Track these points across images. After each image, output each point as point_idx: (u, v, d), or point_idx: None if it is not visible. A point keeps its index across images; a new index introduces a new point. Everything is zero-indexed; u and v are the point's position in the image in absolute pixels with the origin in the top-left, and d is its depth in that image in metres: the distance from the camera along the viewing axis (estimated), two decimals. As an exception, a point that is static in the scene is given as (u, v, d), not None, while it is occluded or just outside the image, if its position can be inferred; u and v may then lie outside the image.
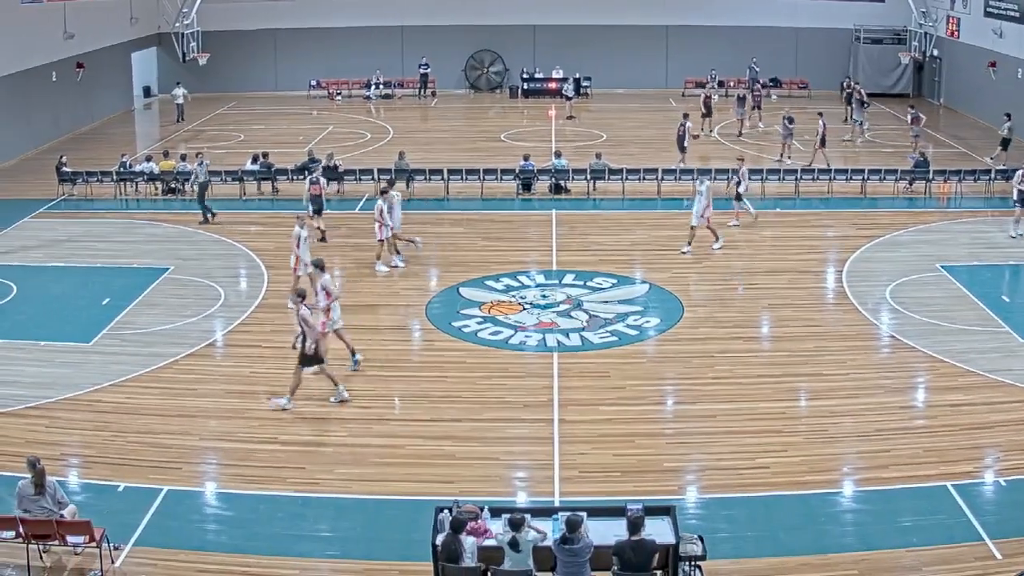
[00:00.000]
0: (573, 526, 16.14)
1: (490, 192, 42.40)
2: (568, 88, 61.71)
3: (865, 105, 53.13)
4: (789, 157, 47.12)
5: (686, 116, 46.76)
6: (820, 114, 47.70)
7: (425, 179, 42.93)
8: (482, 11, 68.54)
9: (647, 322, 29.35)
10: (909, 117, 50.22)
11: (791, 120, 47.62)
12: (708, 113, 54.62)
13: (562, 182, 42.95)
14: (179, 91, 60.69)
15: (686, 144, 45.60)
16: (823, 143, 45.83)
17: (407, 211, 38.09)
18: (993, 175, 42.24)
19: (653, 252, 35.51)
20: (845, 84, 58.30)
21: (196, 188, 39.64)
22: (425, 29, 68.66)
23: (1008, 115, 46.57)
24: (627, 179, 42.57)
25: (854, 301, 30.65)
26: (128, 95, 65.78)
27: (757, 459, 21.79)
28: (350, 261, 34.79)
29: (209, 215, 38.95)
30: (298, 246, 30.26)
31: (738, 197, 38.43)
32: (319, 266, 26.86)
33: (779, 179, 42.22)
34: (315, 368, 24.35)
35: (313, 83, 69.45)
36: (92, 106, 59.65)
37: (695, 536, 17.34)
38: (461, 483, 20.89)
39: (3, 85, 48.99)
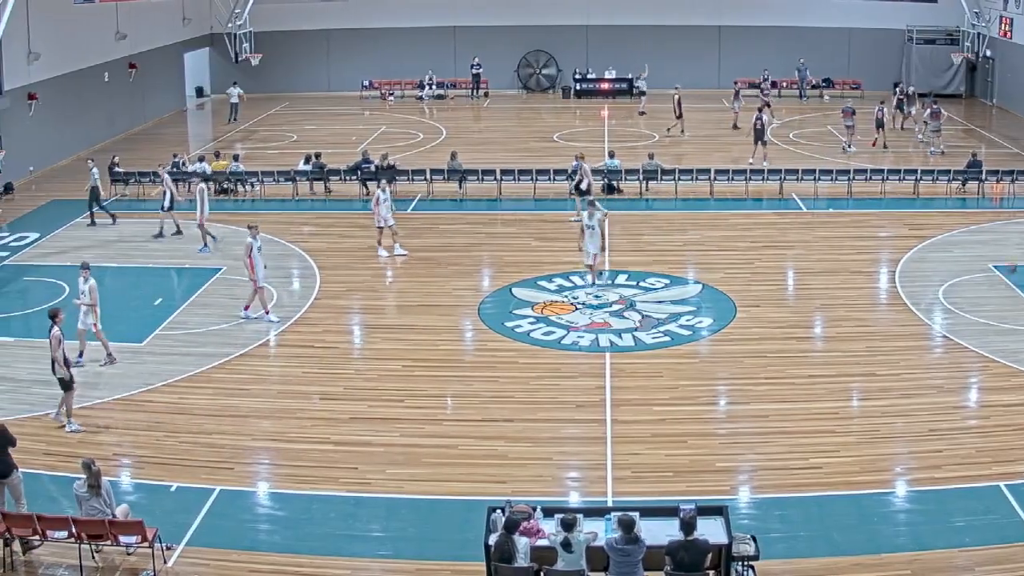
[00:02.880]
0: (627, 526, 16.13)
1: (543, 193, 42.39)
2: (642, 84, 62.16)
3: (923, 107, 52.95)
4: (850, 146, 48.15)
5: (761, 109, 46.75)
6: (881, 103, 47.80)
7: (478, 179, 42.99)
8: (534, 11, 68.61)
9: (700, 322, 29.27)
10: (928, 112, 50.07)
11: (852, 111, 48.05)
12: (680, 115, 54.80)
13: (615, 182, 42.92)
14: (234, 91, 61.07)
15: (766, 138, 45.70)
16: (880, 125, 47.12)
17: (461, 211, 38.18)
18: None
19: (706, 252, 35.44)
20: (898, 90, 57.55)
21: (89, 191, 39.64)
22: (477, 30, 68.81)
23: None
24: (679, 179, 42.48)
25: (907, 301, 30.48)
26: (180, 95, 66.30)
27: (810, 459, 21.71)
28: (402, 261, 34.87)
29: (91, 216, 39.42)
30: (250, 256, 29.88)
31: (579, 192, 38.82)
32: None
33: (832, 179, 41.95)
34: None
35: (365, 83, 69.71)
36: (144, 106, 60.15)
37: (748, 536, 17.28)
38: (513, 483, 20.89)
39: (56, 85, 49.41)
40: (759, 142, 46.33)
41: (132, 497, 20.38)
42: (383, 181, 36.90)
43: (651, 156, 43.78)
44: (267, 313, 29.80)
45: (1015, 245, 35.26)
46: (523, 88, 70.08)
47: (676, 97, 54.45)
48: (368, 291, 32.50)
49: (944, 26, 65.97)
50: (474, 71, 68.33)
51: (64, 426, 23.46)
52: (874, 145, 49.39)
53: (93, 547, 18.33)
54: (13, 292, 32.88)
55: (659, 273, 32.99)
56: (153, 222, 38.48)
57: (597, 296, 31.24)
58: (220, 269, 33.38)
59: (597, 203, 33.16)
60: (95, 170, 39.15)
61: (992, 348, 26.94)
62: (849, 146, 48.61)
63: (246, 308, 30.15)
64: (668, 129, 54.51)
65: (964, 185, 42.10)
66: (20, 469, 19.32)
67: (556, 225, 38.03)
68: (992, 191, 42.14)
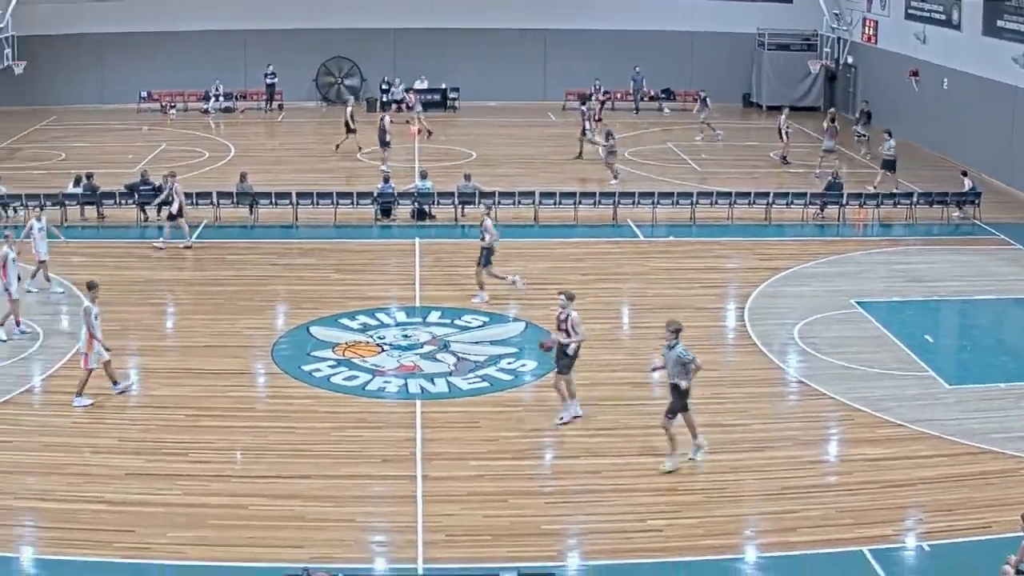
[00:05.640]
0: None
1: (345, 218, 42.24)
2: (412, 99, 63.06)
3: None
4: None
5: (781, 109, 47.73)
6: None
7: (271, 204, 42.68)
8: (335, 14, 68.06)
9: (523, 365, 29.43)
10: (826, 125, 51.17)
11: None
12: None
13: (426, 207, 42.96)
14: None
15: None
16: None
17: (253, 239, 38.08)
18: (916, 199, 42.83)
19: (530, 286, 35.30)
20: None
21: None
22: (271, 34, 68.05)
23: (888, 132, 47.31)
24: (500, 204, 42.25)
25: (757, 342, 30.93)
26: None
27: (648, 520, 21.85)
28: (187, 296, 34.52)
29: None
30: (3, 267, 30.41)
31: (170, 216, 39.40)
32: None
33: (672, 203, 42.35)
34: None
35: (144, 95, 68.59)
36: None
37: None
38: (313, 547, 20.70)
39: None
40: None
41: None
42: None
43: (467, 177, 43.68)
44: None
45: (879, 278, 36.02)
46: (323, 100, 69.78)
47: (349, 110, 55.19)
48: (146, 330, 32.07)
49: (800, 30, 67.10)
50: (268, 81, 67.79)
51: None
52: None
53: None
54: None
55: (476, 311, 33.10)
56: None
57: (406, 336, 31.25)
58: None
59: None
60: None
61: (854, 395, 27.42)
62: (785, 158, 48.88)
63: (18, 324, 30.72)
64: (337, 147, 55.38)
65: (823, 210, 42.77)
66: None
67: (359, 255, 37.96)
68: (854, 217, 43.00)
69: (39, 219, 34.70)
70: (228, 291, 34.91)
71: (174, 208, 39.21)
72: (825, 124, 51.09)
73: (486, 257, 34.03)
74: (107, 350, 26.99)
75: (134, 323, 32.17)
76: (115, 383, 27.11)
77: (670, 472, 22.72)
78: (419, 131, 57.62)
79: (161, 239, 39.01)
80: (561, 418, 25.53)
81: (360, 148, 54.52)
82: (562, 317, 25.48)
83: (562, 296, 25.99)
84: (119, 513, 21.96)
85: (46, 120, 64.81)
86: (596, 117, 57.70)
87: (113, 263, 37.55)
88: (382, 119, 51.69)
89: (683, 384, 22.85)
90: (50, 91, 67.95)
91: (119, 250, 38.95)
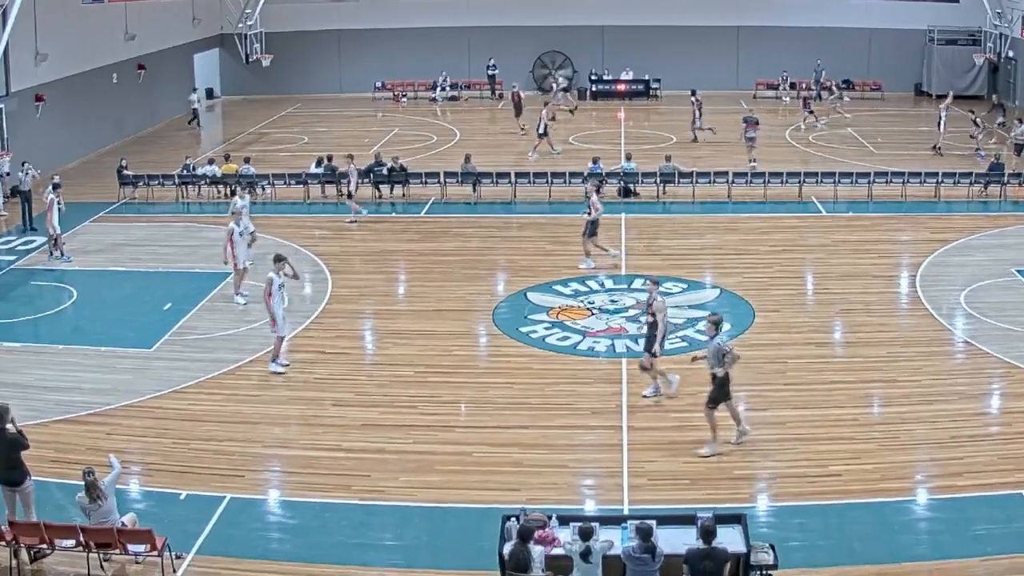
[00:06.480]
0: (645, 534, 16.12)
1: (558, 196, 42.38)
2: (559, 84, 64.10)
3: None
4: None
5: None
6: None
7: (492, 182, 43.03)
8: (550, 12, 68.65)
9: (718, 327, 29.24)
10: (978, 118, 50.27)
11: (756, 122, 48.04)
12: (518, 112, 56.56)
13: (631, 185, 42.92)
14: (194, 96, 61.28)
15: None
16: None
17: (475, 214, 38.52)
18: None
19: (724, 256, 35.44)
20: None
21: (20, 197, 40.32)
22: (492, 30, 68.84)
23: (1020, 119, 46.28)
24: (697, 182, 42.45)
25: (928, 306, 30.40)
26: (200, 97, 66.24)
27: (829, 466, 21.65)
28: (417, 265, 34.99)
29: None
30: (231, 240, 31.15)
31: (348, 195, 40.01)
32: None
33: (852, 182, 41.92)
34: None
35: (378, 85, 69.83)
36: (153, 108, 60.30)
37: (766, 545, 17.22)
38: (528, 491, 20.84)
39: (64, 86, 49.60)
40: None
41: (141, 505, 20.40)
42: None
43: (668, 159, 43.71)
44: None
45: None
46: (538, 90, 70.06)
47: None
48: (380, 296, 32.57)
49: (966, 26, 65.84)
50: (489, 72, 68.37)
51: None
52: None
53: (101, 556, 18.34)
54: (20, 296, 32.99)
55: (676, 277, 32.97)
56: (163, 225, 38.69)
57: (613, 301, 31.22)
58: (230, 273, 33.27)
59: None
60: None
61: (1014, 354, 26.82)
62: (753, 160, 47.12)
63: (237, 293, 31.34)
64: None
65: (986, 188, 42.04)
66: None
67: (571, 228, 37.98)
68: (1015, 194, 41.96)
69: (243, 197, 34.89)
70: (453, 261, 35.22)
71: (352, 187, 39.83)
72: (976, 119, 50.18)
73: (591, 228, 33.95)
74: (276, 323, 26.64)
75: (370, 289, 32.74)
76: (273, 359, 26.90)
77: (707, 457, 22.21)
78: (554, 116, 57.13)
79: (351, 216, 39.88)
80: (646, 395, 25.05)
81: (523, 128, 55.18)
82: (649, 301, 25.08)
83: (647, 281, 25.92)
84: (356, 460, 22.34)
85: (290, 108, 66.28)
86: (807, 108, 57.48)
87: (349, 235, 38.17)
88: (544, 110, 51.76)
89: (719, 372, 22.17)
90: (294, 81, 69.55)
91: (356, 224, 39.51)
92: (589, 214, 33.73)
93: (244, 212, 33.04)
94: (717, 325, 22.42)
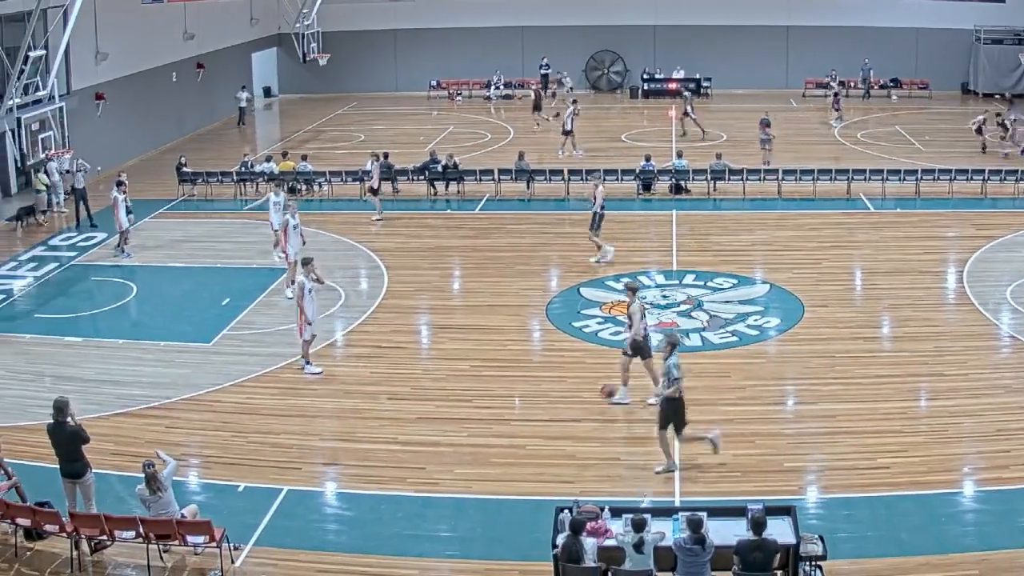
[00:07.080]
0: (695, 526, 16.13)
1: (610, 192, 42.22)
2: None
3: None
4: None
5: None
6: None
7: (545, 179, 43.03)
8: (602, 11, 68.62)
9: (767, 322, 29.17)
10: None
11: (768, 123, 47.79)
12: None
13: (682, 182, 42.85)
14: (243, 95, 61.54)
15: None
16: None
17: (529, 211, 38.50)
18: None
19: (773, 252, 35.41)
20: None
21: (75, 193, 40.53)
22: (545, 30, 68.93)
23: None
24: (747, 179, 42.39)
25: (975, 301, 30.27)
26: (248, 96, 66.63)
27: (877, 459, 21.62)
28: (471, 261, 35.09)
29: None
30: (285, 232, 31.29)
31: (372, 191, 40.08)
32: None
33: (900, 179, 41.62)
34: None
35: (433, 83, 70.06)
36: (212, 106, 60.74)
37: (815, 536, 17.27)
38: (581, 483, 20.91)
39: (124, 85, 50.03)
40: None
41: (200, 497, 20.57)
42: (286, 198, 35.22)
43: (719, 156, 43.68)
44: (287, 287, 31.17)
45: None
46: (591, 88, 70.00)
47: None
48: (435, 291, 32.64)
49: (1012, 26, 65.30)
50: (542, 71, 68.36)
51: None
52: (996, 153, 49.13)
53: (161, 547, 18.52)
54: (81, 292, 33.29)
55: (727, 273, 32.91)
56: (222, 222, 38.95)
57: (665, 296, 31.20)
58: (287, 269, 33.49)
59: None
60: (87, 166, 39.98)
61: (1061, 349, 26.74)
62: (766, 163, 46.48)
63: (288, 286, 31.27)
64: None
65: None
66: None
67: (623, 225, 37.94)
68: None
69: (277, 193, 34.83)
70: (507, 257, 35.31)
71: (375, 184, 39.92)
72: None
73: (597, 223, 34.15)
74: (309, 323, 26.46)
75: (425, 284, 32.83)
76: (307, 362, 26.78)
77: (659, 473, 21.52)
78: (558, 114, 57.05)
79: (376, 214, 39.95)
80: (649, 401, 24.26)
81: (538, 122, 55.99)
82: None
83: (625, 287, 25.70)
84: (412, 452, 22.47)
85: (347, 106, 66.60)
86: (835, 106, 57.49)
87: (406, 232, 38.27)
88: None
89: (665, 393, 21.30)
90: (350, 80, 69.89)
91: (412, 220, 39.66)
92: (598, 207, 34.04)
93: (278, 207, 33.53)
94: (673, 347, 21.85)
